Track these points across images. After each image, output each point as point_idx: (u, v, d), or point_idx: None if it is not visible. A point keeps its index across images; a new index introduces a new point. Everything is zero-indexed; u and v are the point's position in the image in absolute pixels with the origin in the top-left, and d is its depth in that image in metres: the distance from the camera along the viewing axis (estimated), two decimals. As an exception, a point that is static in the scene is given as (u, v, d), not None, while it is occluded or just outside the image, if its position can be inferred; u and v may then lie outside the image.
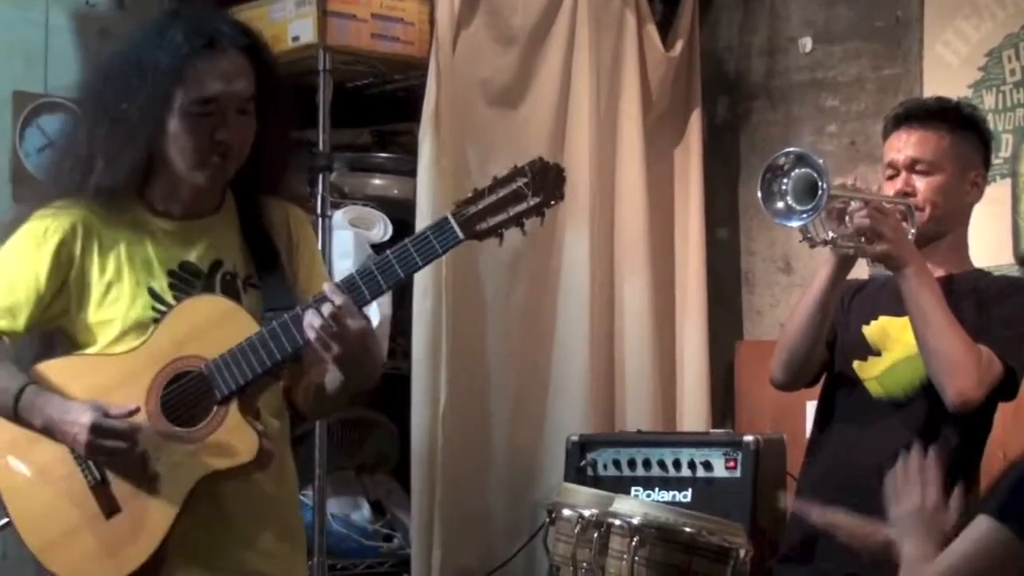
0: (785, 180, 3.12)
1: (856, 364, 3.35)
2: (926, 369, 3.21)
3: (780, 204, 3.14)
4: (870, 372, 3.33)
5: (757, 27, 5.09)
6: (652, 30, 4.91)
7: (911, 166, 3.32)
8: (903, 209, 3.28)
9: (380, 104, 4.84)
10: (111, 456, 2.76)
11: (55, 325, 2.93)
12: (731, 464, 4.04)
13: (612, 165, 4.81)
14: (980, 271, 3.39)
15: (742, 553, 2.87)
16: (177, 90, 2.80)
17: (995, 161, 4.37)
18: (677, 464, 4.11)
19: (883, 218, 3.17)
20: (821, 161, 3.10)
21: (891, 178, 3.35)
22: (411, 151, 4.54)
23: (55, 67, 4.32)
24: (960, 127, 3.36)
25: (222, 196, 2.97)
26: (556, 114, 4.69)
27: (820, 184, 3.06)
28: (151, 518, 2.78)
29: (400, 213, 4.57)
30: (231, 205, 2.98)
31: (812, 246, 3.23)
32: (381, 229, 4.61)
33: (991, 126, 4.17)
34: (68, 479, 2.82)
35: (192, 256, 2.91)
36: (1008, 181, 4.43)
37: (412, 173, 4.50)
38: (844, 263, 3.27)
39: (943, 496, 2.50)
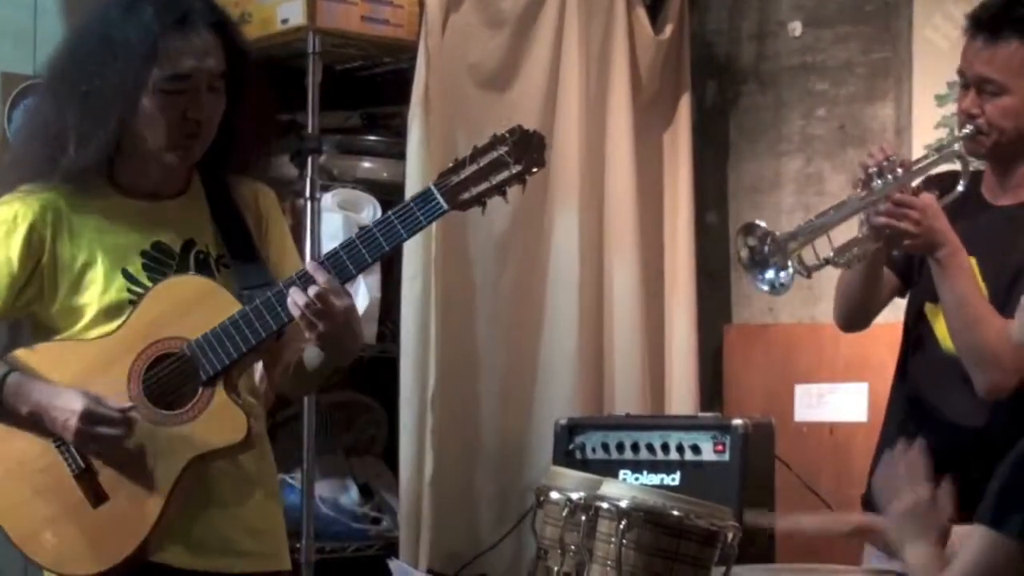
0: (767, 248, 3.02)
1: (928, 307, 3.19)
2: (958, 353, 3.06)
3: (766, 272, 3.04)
4: (940, 317, 3.15)
5: (747, 11, 5.08)
6: (642, 13, 4.91)
7: (980, 84, 3.08)
8: (964, 137, 3.06)
9: (369, 87, 4.84)
10: (99, 444, 2.72)
11: (27, 312, 2.87)
12: (719, 448, 4.05)
13: (601, 148, 4.80)
14: None
15: (730, 536, 2.87)
16: (150, 67, 2.74)
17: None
18: (665, 448, 4.11)
19: (901, 212, 2.98)
20: (763, 224, 3.01)
21: (965, 87, 3.12)
22: (400, 134, 4.53)
23: (44, 49, 4.30)
24: None
25: (189, 175, 2.93)
26: (545, 97, 4.69)
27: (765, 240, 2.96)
28: (140, 505, 2.74)
29: (389, 196, 4.57)
30: (198, 185, 2.94)
31: (808, 275, 3.06)
32: (370, 212, 4.61)
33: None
34: (49, 469, 2.77)
35: (164, 236, 2.87)
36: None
37: (401, 156, 4.49)
38: (880, 252, 3.10)
39: (932, 491, 2.55)
